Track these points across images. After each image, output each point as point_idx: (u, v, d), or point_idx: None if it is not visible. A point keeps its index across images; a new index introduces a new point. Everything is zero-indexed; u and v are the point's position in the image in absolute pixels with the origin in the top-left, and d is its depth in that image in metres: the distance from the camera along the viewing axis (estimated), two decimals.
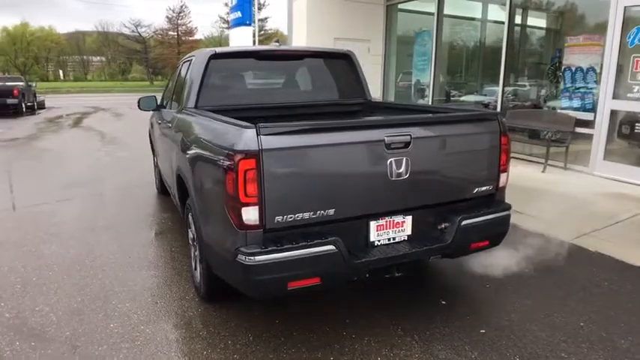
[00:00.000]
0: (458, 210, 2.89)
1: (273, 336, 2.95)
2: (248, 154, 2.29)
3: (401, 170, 2.61)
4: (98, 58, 73.37)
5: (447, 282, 3.75)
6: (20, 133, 13.27)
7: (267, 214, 2.37)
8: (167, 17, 65.65)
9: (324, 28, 10.79)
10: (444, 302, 3.36)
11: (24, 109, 19.66)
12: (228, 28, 25.59)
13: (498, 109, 8.65)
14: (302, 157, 2.43)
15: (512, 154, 8.41)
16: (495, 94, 8.96)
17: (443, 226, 2.85)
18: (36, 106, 21.67)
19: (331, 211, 2.51)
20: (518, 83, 9.17)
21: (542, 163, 7.34)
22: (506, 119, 8.30)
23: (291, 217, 2.42)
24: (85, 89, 46.34)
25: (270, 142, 2.32)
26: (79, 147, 11.10)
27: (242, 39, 22.91)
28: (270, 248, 2.37)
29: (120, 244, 4.54)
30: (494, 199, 3.10)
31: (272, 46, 4.34)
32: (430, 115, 3.30)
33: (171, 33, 65.91)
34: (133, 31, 65.94)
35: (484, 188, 2.99)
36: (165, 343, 2.90)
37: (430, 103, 10.37)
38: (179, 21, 66.06)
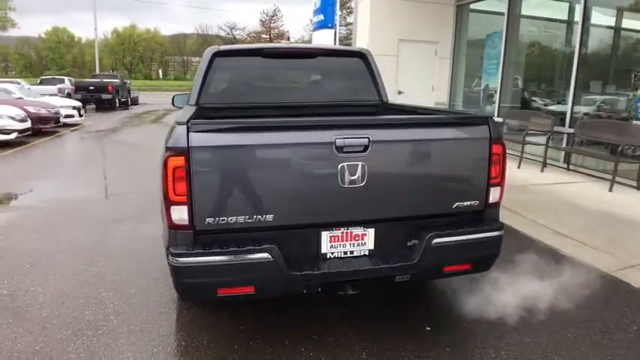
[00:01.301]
0: (432, 226, 2.54)
1: (228, 342, 2.82)
2: (176, 152, 2.18)
3: (355, 177, 2.35)
4: (197, 58, 78.10)
5: (445, 306, 3.35)
6: (105, 126, 14.47)
7: (196, 215, 2.25)
8: (261, 20, 68.37)
9: (388, 30, 10.47)
10: (428, 328, 3.01)
11: (117, 105, 21.49)
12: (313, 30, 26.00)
13: (568, 119, 7.79)
14: (237, 157, 2.27)
15: (581, 169, 7.54)
16: (590, 102, 8.04)
17: (411, 243, 2.53)
18: (129, 102, 23.58)
19: (269, 217, 2.32)
20: (595, 91, 8.18)
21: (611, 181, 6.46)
22: (576, 130, 7.47)
23: (223, 220, 2.27)
24: (181, 88, 49.64)
25: (201, 139, 2.19)
26: (150, 141, 11.80)
27: (324, 41, 23.13)
28: (196, 251, 2.25)
29: (136, 235, 4.68)
30: (484, 217, 2.69)
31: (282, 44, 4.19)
32: (395, 117, 2.96)
33: (263, 36, 68.44)
34: (227, 34, 69.54)
35: (467, 203, 2.60)
36: (124, 335, 2.89)
37: (497, 111, 9.64)
38: (272, 24, 68.52)
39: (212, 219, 2.26)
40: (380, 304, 3.29)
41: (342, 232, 2.49)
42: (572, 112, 7.75)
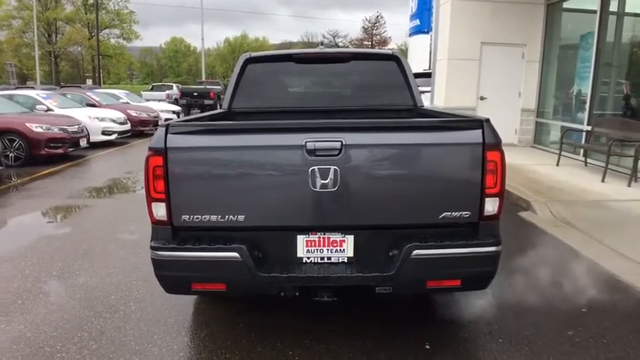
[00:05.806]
0: (416, 237, 2.40)
1: (223, 337, 2.92)
2: (156, 152, 2.34)
3: (327, 181, 2.30)
4: None
5: (451, 324, 3.10)
6: None
7: (173, 212, 2.38)
8: (363, 27, 68.79)
9: (470, 32, 9.98)
10: (428, 347, 2.84)
11: (219, 108, 23.08)
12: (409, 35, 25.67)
13: None
14: (210, 158, 2.37)
15: None
16: None
17: (392, 253, 2.42)
18: None
19: (241, 218, 2.37)
20: None
21: None
22: None
23: (197, 218, 2.38)
24: None
25: (177, 140, 2.33)
26: None
27: (420, 47, 22.67)
28: (171, 246, 2.38)
29: None
30: (478, 231, 2.48)
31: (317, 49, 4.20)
32: (372, 120, 2.81)
33: (365, 43, 68.77)
34: (330, 42, 70.95)
35: (456, 214, 2.41)
36: (135, 320, 3.15)
37: (586, 118, 8.74)
38: (374, 31, 68.67)
39: (187, 216, 2.39)
40: (383, 316, 3.18)
41: (319, 237, 2.47)
42: None
